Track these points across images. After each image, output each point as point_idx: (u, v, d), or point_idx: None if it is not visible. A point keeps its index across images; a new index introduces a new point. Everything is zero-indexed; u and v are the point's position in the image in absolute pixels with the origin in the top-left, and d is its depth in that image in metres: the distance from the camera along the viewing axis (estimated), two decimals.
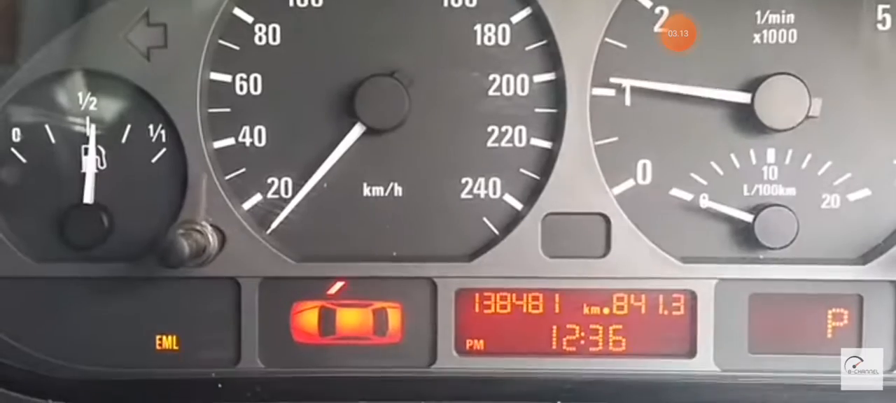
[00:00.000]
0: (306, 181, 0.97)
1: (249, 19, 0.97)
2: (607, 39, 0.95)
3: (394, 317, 0.99)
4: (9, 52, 0.97)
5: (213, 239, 0.95)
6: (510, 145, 0.97)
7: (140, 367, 1.00)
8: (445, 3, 0.96)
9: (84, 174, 0.98)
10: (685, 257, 0.97)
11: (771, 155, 0.96)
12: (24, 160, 0.99)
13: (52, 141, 0.99)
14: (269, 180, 0.99)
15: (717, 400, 0.97)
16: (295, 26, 0.97)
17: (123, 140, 0.98)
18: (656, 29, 0.96)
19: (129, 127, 0.98)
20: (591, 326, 0.98)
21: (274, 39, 0.97)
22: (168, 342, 1.00)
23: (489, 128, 0.97)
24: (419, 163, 0.98)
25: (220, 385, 0.98)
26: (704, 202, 0.97)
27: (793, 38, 0.95)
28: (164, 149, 0.98)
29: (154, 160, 0.98)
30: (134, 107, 0.98)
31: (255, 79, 0.98)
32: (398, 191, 0.98)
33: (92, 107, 0.98)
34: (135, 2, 0.96)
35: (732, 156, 0.96)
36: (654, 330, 0.98)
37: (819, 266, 0.96)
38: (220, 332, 0.99)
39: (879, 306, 0.97)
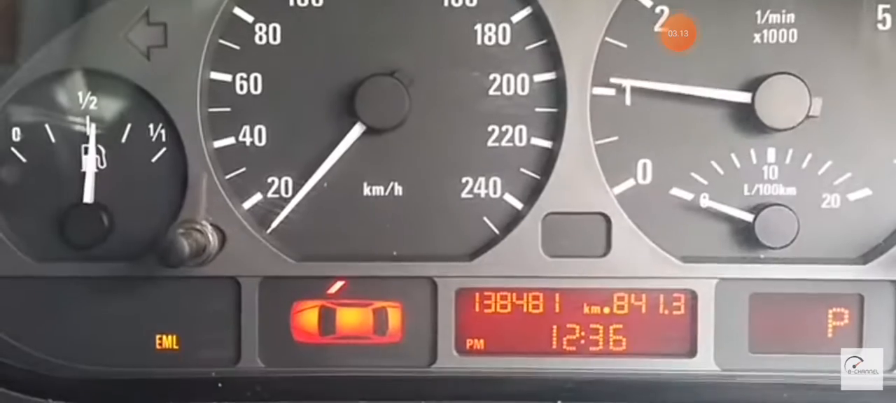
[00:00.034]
0: (306, 180, 0.97)
1: (250, 19, 0.97)
2: (607, 39, 0.95)
3: (394, 317, 0.99)
4: (9, 51, 0.97)
5: (213, 238, 0.95)
6: (510, 145, 0.97)
7: (140, 367, 1.00)
8: (446, 3, 0.96)
9: (84, 173, 0.98)
10: (685, 256, 0.97)
11: (771, 154, 0.96)
12: (24, 159, 0.99)
13: (53, 140, 0.99)
14: (270, 179, 0.99)
15: (718, 400, 0.97)
16: (295, 26, 0.97)
17: (123, 139, 0.98)
18: (657, 28, 0.96)
19: (129, 126, 0.98)
20: (592, 326, 0.98)
21: (274, 39, 0.97)
22: (168, 341, 1.00)
23: (489, 128, 0.97)
24: (419, 162, 0.98)
25: (220, 385, 0.98)
26: (705, 201, 0.97)
27: (793, 37, 0.95)
28: (164, 149, 0.98)
29: (154, 159, 0.98)
30: (134, 107, 0.98)
31: (256, 78, 0.98)
32: (398, 190, 0.98)
33: (92, 107, 0.98)
34: (135, 1, 0.96)
35: (733, 155, 0.96)
36: (654, 329, 0.98)
37: (819, 265, 0.96)
38: (220, 332, 0.99)
39: (880, 306, 0.97)
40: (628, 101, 0.96)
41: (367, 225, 0.98)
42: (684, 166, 0.97)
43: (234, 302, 0.99)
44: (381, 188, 0.98)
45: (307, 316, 1.00)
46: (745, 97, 0.93)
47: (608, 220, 0.96)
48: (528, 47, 0.96)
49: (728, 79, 0.95)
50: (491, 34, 0.96)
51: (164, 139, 0.98)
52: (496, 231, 0.98)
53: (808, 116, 0.92)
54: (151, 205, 0.98)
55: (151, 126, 0.98)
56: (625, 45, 0.96)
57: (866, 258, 0.96)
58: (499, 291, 0.98)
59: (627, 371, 0.98)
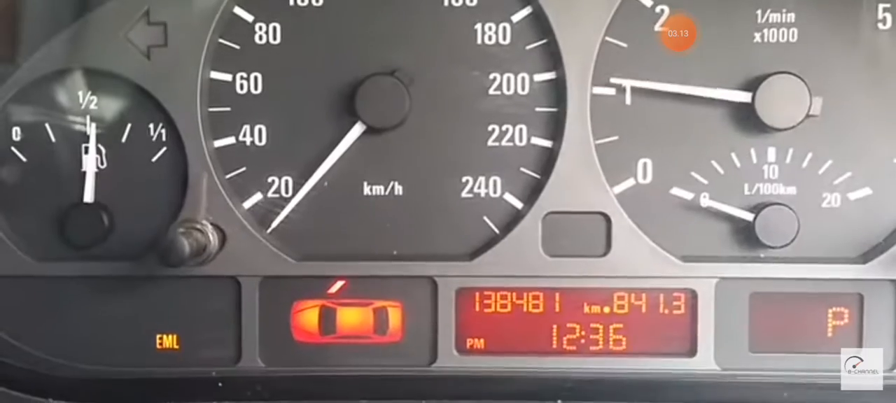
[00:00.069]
0: (307, 180, 0.97)
1: (250, 18, 0.97)
2: (608, 38, 0.95)
3: (394, 316, 0.99)
4: (9, 50, 0.97)
5: (213, 238, 0.95)
6: (511, 144, 0.97)
7: (140, 366, 1.00)
8: (446, 3, 0.96)
9: (84, 173, 0.98)
10: (686, 256, 0.97)
11: (771, 154, 0.96)
12: (24, 159, 0.99)
13: (53, 140, 0.99)
14: (270, 179, 0.99)
15: (718, 399, 0.97)
16: (295, 25, 0.97)
17: (124, 139, 0.98)
18: (657, 28, 0.96)
19: (129, 126, 0.98)
20: (592, 325, 0.98)
21: (274, 38, 0.97)
22: (168, 341, 1.00)
23: (490, 127, 0.97)
24: (419, 161, 0.98)
25: (220, 384, 0.98)
26: (705, 201, 0.97)
27: (793, 36, 0.95)
28: (164, 148, 0.98)
29: (154, 159, 0.98)
30: (134, 106, 0.98)
31: (256, 78, 0.98)
32: (399, 189, 0.98)
33: (92, 106, 0.98)
34: (135, 1, 0.96)
35: (733, 154, 0.96)
36: (654, 328, 0.98)
37: (819, 265, 0.96)
38: (220, 331, 0.99)
39: (880, 305, 0.97)
40: (628, 101, 0.96)
41: (367, 225, 0.98)
42: (684, 165, 0.97)
43: (235, 301, 0.99)
44: (382, 187, 0.98)
45: (307, 316, 1.00)
46: (745, 97, 0.93)
47: (608, 220, 0.96)
48: (528, 47, 0.96)
49: (728, 78, 0.95)
50: (491, 33, 0.96)
51: (164, 138, 0.98)
52: (496, 230, 0.98)
53: (808, 116, 0.92)
54: (152, 205, 0.98)
55: (152, 125, 0.98)
56: (625, 45, 0.96)
57: (866, 257, 0.96)
58: (499, 291, 0.98)
59: (627, 371, 0.98)
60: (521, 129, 0.97)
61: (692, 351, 0.98)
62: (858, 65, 0.95)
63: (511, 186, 0.98)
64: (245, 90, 0.98)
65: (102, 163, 0.98)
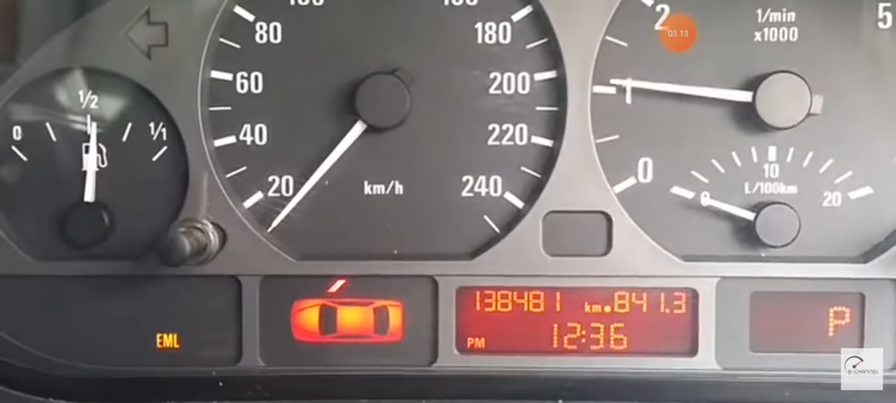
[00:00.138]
0: (307, 179, 0.97)
1: (250, 17, 0.97)
2: (608, 37, 0.95)
3: (395, 316, 0.99)
4: (9, 50, 0.97)
5: (213, 237, 0.95)
6: (511, 143, 0.97)
7: (141, 365, 1.00)
8: (446, 2, 0.96)
9: (85, 172, 0.98)
10: (686, 255, 0.97)
11: (772, 153, 0.96)
12: (24, 158, 0.99)
13: (53, 139, 0.99)
14: (270, 178, 0.99)
15: (719, 399, 0.97)
16: (296, 24, 0.97)
17: (124, 138, 0.99)
18: (657, 27, 0.96)
19: (129, 125, 0.98)
20: (593, 324, 0.98)
21: (275, 37, 0.97)
22: (169, 340, 1.00)
23: (490, 126, 0.97)
24: (420, 161, 0.98)
25: (220, 384, 0.98)
26: (706, 200, 0.97)
27: (794, 35, 0.95)
28: (164, 148, 0.98)
29: (155, 158, 0.98)
30: (135, 106, 0.98)
31: (256, 77, 0.98)
32: (399, 189, 0.98)
33: (93, 106, 0.98)
34: (135, 0, 0.96)
35: (733, 154, 0.96)
36: (655, 328, 0.98)
37: (820, 264, 0.96)
38: (220, 330, 0.99)
39: (881, 304, 0.97)
40: (629, 100, 0.96)
41: (367, 224, 0.98)
42: (685, 165, 0.97)
43: (235, 300, 0.99)
44: (382, 187, 0.98)
45: (308, 315, 1.00)
46: (746, 96, 0.93)
47: (609, 219, 0.96)
48: (528, 46, 0.96)
49: (729, 77, 0.95)
50: (491, 33, 0.96)
51: (164, 138, 0.98)
52: (497, 229, 0.98)
53: (809, 115, 0.92)
54: (152, 204, 0.98)
55: (152, 125, 0.98)
56: (625, 44, 0.96)
57: (867, 256, 0.96)
58: (499, 290, 0.98)
59: (628, 370, 0.98)
60: (521, 128, 0.97)
61: (693, 351, 0.98)
62: (859, 64, 0.95)
63: (512, 185, 0.98)
64: (245, 89, 0.98)
65: (103, 163, 0.98)
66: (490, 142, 0.97)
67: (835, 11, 0.95)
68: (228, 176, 0.98)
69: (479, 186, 0.98)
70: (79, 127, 0.98)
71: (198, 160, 0.97)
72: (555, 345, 0.98)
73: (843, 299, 0.97)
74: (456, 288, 0.98)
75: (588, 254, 0.97)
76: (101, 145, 0.98)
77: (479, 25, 0.96)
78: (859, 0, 0.95)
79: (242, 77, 0.98)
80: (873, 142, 0.95)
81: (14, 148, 0.99)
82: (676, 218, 0.97)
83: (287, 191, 0.98)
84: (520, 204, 0.98)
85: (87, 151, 0.98)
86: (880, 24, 0.95)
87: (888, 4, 0.95)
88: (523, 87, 0.97)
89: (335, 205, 0.98)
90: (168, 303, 0.99)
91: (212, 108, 0.98)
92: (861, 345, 0.97)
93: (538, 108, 0.97)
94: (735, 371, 0.97)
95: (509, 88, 0.97)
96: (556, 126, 0.96)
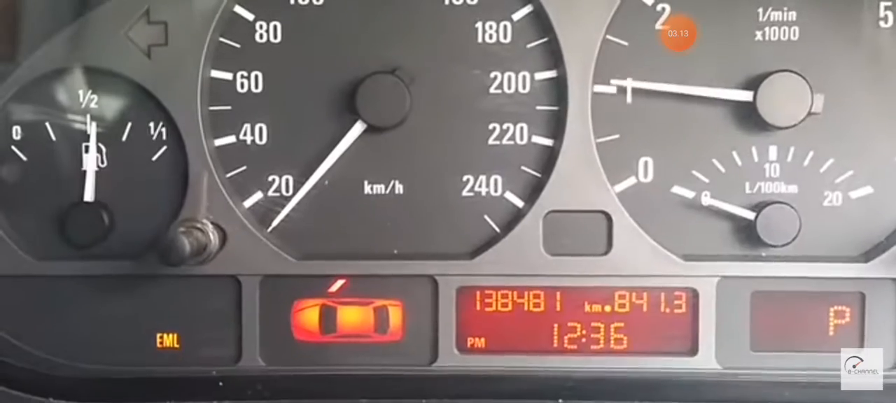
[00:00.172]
0: (307, 179, 0.97)
1: (250, 17, 0.97)
2: (609, 37, 0.95)
3: (395, 315, 0.99)
4: (9, 49, 0.97)
5: (213, 237, 0.95)
6: (511, 143, 0.97)
7: (141, 365, 1.00)
8: (446, 1, 0.96)
9: (85, 172, 0.98)
10: (687, 255, 0.97)
11: (773, 152, 0.96)
12: (24, 158, 0.99)
13: (53, 139, 0.99)
14: (270, 178, 0.98)
15: (719, 398, 0.97)
16: (296, 24, 0.97)
17: (124, 138, 0.98)
18: (657, 26, 0.96)
19: (129, 125, 0.98)
20: (593, 324, 0.98)
21: (275, 37, 0.97)
22: (169, 340, 1.00)
23: (490, 126, 0.97)
24: (420, 160, 0.97)
25: (220, 383, 0.98)
26: (706, 200, 0.96)
27: (795, 35, 0.95)
28: (164, 147, 0.98)
29: (155, 158, 0.98)
30: (134, 105, 0.98)
31: (256, 76, 0.97)
32: (399, 188, 0.98)
33: (92, 105, 0.98)
34: None
35: (734, 153, 0.96)
36: (655, 327, 0.98)
37: (821, 263, 0.96)
38: (220, 330, 0.99)
39: (881, 304, 0.97)
40: (629, 99, 0.96)
41: (367, 224, 0.98)
42: (685, 164, 0.97)
43: (235, 300, 0.99)
44: (382, 186, 0.98)
45: (308, 315, 1.00)
46: (746, 96, 0.93)
47: (609, 218, 0.96)
48: (529, 45, 0.96)
49: (729, 76, 0.95)
50: (492, 32, 0.96)
51: (164, 137, 0.98)
52: (497, 229, 0.98)
53: (809, 114, 0.92)
54: (152, 204, 0.98)
55: (152, 124, 0.98)
56: (626, 43, 0.96)
57: (868, 256, 0.96)
58: (500, 289, 0.98)
59: (629, 370, 0.98)
60: (521, 128, 0.97)
61: (693, 350, 0.97)
62: (860, 63, 0.95)
63: (512, 185, 0.98)
64: (245, 89, 0.98)
65: (103, 162, 0.98)
66: (490, 141, 0.97)
67: (836, 10, 0.95)
68: (228, 175, 0.98)
69: (480, 186, 0.98)
70: (79, 126, 0.98)
71: (198, 160, 0.97)
72: (555, 345, 0.98)
73: (844, 298, 0.97)
74: (456, 288, 0.98)
75: (588, 254, 0.97)
76: (100, 145, 0.98)
77: (479, 25, 0.96)
78: None
79: (242, 76, 0.98)
80: (874, 142, 0.95)
81: (14, 147, 0.99)
82: (677, 218, 0.97)
83: (287, 191, 0.98)
84: (520, 203, 0.97)
85: (86, 151, 0.98)
86: (881, 23, 0.95)
87: (889, 3, 0.95)
88: (524, 87, 0.96)
89: (335, 205, 0.98)
90: (168, 303, 0.99)
91: (212, 108, 0.98)
92: (861, 345, 0.97)
93: (538, 108, 0.97)
94: (735, 371, 0.97)
95: (510, 88, 0.96)
96: (556, 125, 0.96)
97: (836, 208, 0.96)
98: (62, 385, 0.98)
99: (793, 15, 0.95)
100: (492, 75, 0.96)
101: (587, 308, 0.98)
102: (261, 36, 0.97)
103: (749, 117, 0.94)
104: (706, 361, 0.97)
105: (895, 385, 0.95)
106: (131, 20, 0.96)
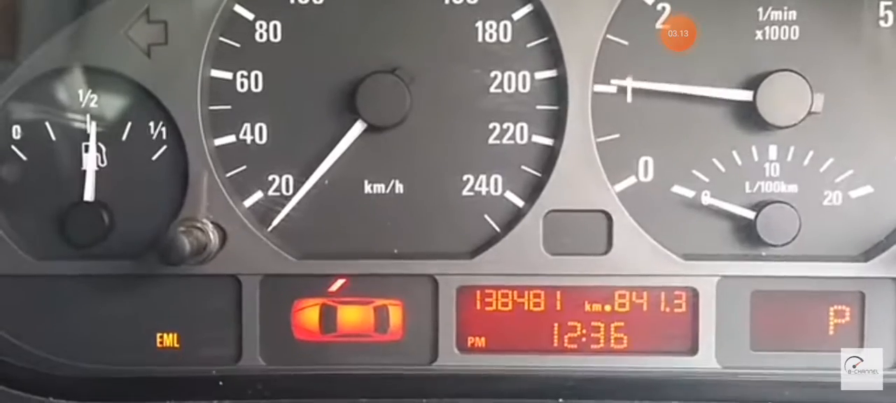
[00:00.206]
0: (307, 178, 0.97)
1: (250, 16, 0.97)
2: (609, 36, 0.95)
3: (395, 315, 0.99)
4: (9, 48, 0.97)
5: (213, 236, 0.95)
6: (512, 142, 0.97)
7: (141, 365, 1.00)
8: (447, 1, 0.96)
9: (84, 171, 0.98)
10: (687, 254, 0.97)
11: (773, 151, 0.96)
12: (24, 157, 0.99)
13: (53, 138, 0.99)
14: (270, 177, 0.98)
15: (719, 397, 0.97)
16: (296, 23, 0.97)
17: (124, 137, 0.98)
18: (658, 26, 0.96)
19: (129, 124, 0.98)
20: (593, 323, 0.98)
21: (275, 36, 0.97)
22: (169, 339, 1.00)
23: (491, 125, 0.97)
24: (420, 160, 0.97)
25: (221, 383, 0.98)
26: (706, 199, 0.96)
27: (795, 34, 0.95)
28: (164, 147, 0.98)
29: (155, 157, 0.98)
30: (134, 105, 0.98)
31: (256, 76, 0.97)
32: (399, 188, 0.98)
33: (92, 105, 0.98)
34: None
35: (734, 152, 0.96)
36: (655, 327, 0.98)
37: (821, 263, 0.96)
38: (221, 330, 0.99)
39: (881, 303, 0.97)
40: (629, 99, 0.96)
41: (368, 223, 0.98)
42: (685, 163, 0.97)
43: (235, 300, 0.99)
44: (382, 186, 0.98)
45: (308, 314, 1.00)
46: (746, 96, 0.93)
47: (609, 218, 0.96)
48: (529, 44, 0.96)
49: (729, 76, 0.95)
50: (492, 31, 0.96)
51: (164, 137, 0.98)
52: (497, 228, 0.98)
53: (809, 113, 0.92)
54: (152, 204, 0.98)
55: (152, 124, 0.98)
56: (626, 43, 0.95)
57: (868, 255, 0.96)
58: (500, 289, 0.98)
59: (629, 369, 0.98)
60: (522, 127, 0.97)
61: (693, 350, 0.98)
62: (860, 62, 0.95)
63: (512, 184, 0.98)
64: (245, 88, 0.97)
65: (103, 162, 0.98)
66: (490, 140, 0.97)
67: (836, 10, 0.95)
68: (228, 175, 0.98)
69: (480, 185, 0.98)
70: (78, 126, 0.98)
71: (198, 159, 0.96)
72: (555, 344, 0.98)
73: (844, 298, 0.97)
74: (456, 287, 0.98)
75: (588, 253, 0.97)
76: (100, 144, 0.98)
77: (479, 24, 0.96)
78: None
79: (242, 76, 0.98)
80: (874, 141, 0.95)
81: (14, 147, 0.99)
82: (677, 217, 0.97)
83: (287, 190, 0.98)
84: (520, 203, 0.97)
85: (86, 150, 0.98)
86: (881, 23, 0.95)
87: (889, 3, 0.95)
88: (524, 86, 0.96)
89: (335, 205, 0.98)
90: (168, 303, 0.99)
91: (212, 107, 0.97)
92: (861, 344, 0.97)
93: (539, 107, 0.97)
94: (735, 370, 0.97)
95: (510, 87, 0.96)
96: (556, 125, 0.96)
97: (836, 207, 0.96)
98: (62, 384, 0.98)
99: (793, 14, 0.95)
100: (492, 74, 0.96)
101: (587, 307, 0.98)
102: (261, 35, 0.97)
103: (749, 117, 0.94)
104: (706, 360, 0.97)
105: (895, 385, 0.95)
106: (131, 19, 0.96)
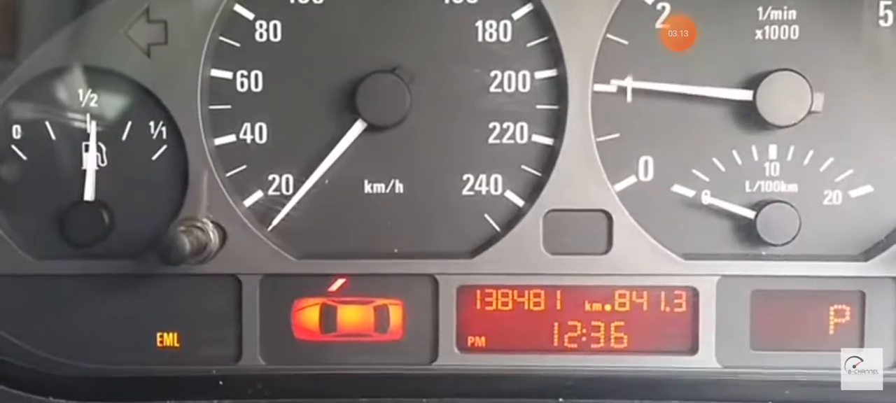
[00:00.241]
0: (307, 178, 0.97)
1: (250, 16, 0.97)
2: (609, 36, 0.95)
3: (395, 314, 0.99)
4: (9, 48, 0.97)
5: (213, 236, 0.95)
6: (512, 142, 0.97)
7: (141, 364, 1.00)
8: (447, 0, 0.96)
9: (85, 171, 0.98)
10: (687, 254, 0.97)
11: (773, 151, 0.96)
12: (24, 157, 0.99)
13: (53, 138, 0.99)
14: (270, 177, 0.98)
15: (719, 397, 0.97)
16: (296, 23, 0.97)
17: (124, 137, 0.98)
18: (658, 25, 0.96)
19: (129, 124, 0.98)
20: (593, 323, 0.98)
21: (275, 36, 0.97)
22: (169, 339, 1.00)
23: (491, 125, 0.97)
24: (420, 159, 0.97)
25: (221, 383, 0.98)
26: (706, 198, 0.96)
27: (795, 33, 0.95)
28: (164, 146, 0.98)
29: (155, 157, 0.98)
30: (134, 104, 0.98)
31: (256, 75, 0.97)
32: (399, 187, 0.98)
33: (92, 104, 0.98)
34: None
35: (734, 152, 0.96)
36: (655, 326, 0.98)
37: (821, 262, 0.96)
38: (221, 329, 0.99)
39: (881, 302, 0.97)
40: (629, 98, 0.96)
41: (368, 223, 0.98)
42: (686, 163, 0.97)
43: (235, 299, 0.99)
44: (382, 185, 0.98)
45: (308, 314, 1.00)
46: (746, 95, 0.93)
47: (609, 217, 0.96)
48: (529, 44, 0.96)
49: (729, 75, 0.95)
50: (492, 31, 0.96)
51: (164, 136, 0.98)
52: (497, 228, 0.98)
53: (809, 113, 0.92)
54: (152, 203, 0.98)
55: (152, 123, 0.98)
56: (626, 42, 0.96)
57: (868, 255, 0.96)
58: (500, 288, 0.98)
59: (629, 369, 0.98)
60: (522, 127, 0.97)
61: (693, 349, 0.97)
62: (860, 62, 0.95)
63: (512, 184, 0.98)
64: (245, 88, 0.97)
65: (103, 161, 0.98)
66: (490, 140, 0.97)
67: (836, 9, 0.95)
68: (228, 174, 0.98)
69: (480, 185, 0.98)
70: (78, 125, 0.98)
71: (198, 159, 0.96)
72: (555, 344, 0.98)
73: (844, 297, 0.97)
74: (456, 287, 0.98)
75: (588, 253, 0.97)
76: (100, 144, 0.98)
77: (479, 23, 0.96)
78: None
79: (242, 75, 0.98)
80: (874, 140, 0.95)
81: (14, 146, 0.99)
82: (677, 217, 0.97)
83: (287, 190, 0.98)
84: (520, 202, 0.97)
85: (86, 150, 0.98)
86: (881, 22, 0.95)
87: (889, 2, 0.95)
88: (524, 86, 0.96)
89: (335, 204, 0.98)
90: (168, 302, 0.99)
91: (212, 107, 0.97)
92: (861, 343, 0.97)
93: (539, 107, 0.97)
94: (735, 370, 0.97)
95: (510, 87, 0.96)
96: (556, 124, 0.96)
97: (836, 207, 0.96)
98: (62, 384, 0.98)
99: (793, 14, 0.95)
100: (492, 74, 0.96)
101: (587, 307, 0.98)
102: (261, 35, 0.97)
103: (749, 116, 0.94)
104: (706, 360, 0.97)
105: (895, 384, 0.95)
106: (131, 19, 0.96)
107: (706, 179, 0.96)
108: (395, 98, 0.94)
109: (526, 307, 0.98)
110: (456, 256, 0.98)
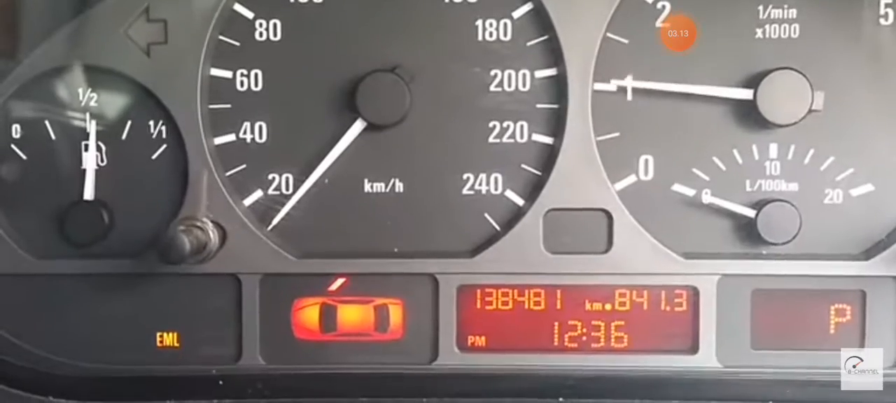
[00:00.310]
0: (307, 177, 0.97)
1: (250, 15, 0.97)
2: (609, 35, 0.95)
3: (395, 314, 0.99)
4: (9, 47, 0.97)
5: (213, 235, 0.95)
6: (512, 141, 0.97)
7: (141, 364, 1.00)
8: None
9: (84, 170, 0.98)
10: (687, 253, 0.97)
11: (773, 150, 0.96)
12: (24, 156, 0.99)
13: (53, 137, 0.99)
14: (270, 176, 0.98)
15: (720, 396, 0.97)
16: (296, 22, 0.97)
17: (124, 136, 0.98)
18: (658, 24, 0.96)
19: (129, 123, 0.98)
20: (593, 322, 0.98)
21: (274, 35, 0.97)
22: (169, 338, 1.00)
23: (491, 124, 0.97)
24: (420, 158, 0.97)
25: (221, 382, 0.98)
26: (707, 197, 0.96)
27: (795, 32, 0.95)
28: (164, 146, 0.98)
29: (154, 156, 0.98)
30: (134, 104, 0.98)
31: (256, 75, 0.97)
32: (399, 186, 0.98)
33: (92, 104, 0.98)
34: None
35: (735, 151, 0.96)
36: (656, 326, 0.98)
37: (822, 261, 0.96)
38: (220, 329, 0.99)
39: (882, 301, 0.97)
40: (629, 97, 0.96)
41: (368, 222, 0.98)
42: (686, 162, 0.96)
43: (235, 299, 0.99)
44: (382, 184, 0.98)
45: (308, 313, 1.00)
46: (747, 94, 0.93)
47: (610, 217, 0.96)
48: (529, 43, 0.96)
49: (730, 74, 0.95)
50: (492, 30, 0.96)
51: (164, 136, 0.98)
52: (497, 227, 0.98)
53: (810, 111, 0.92)
54: (152, 202, 0.98)
55: (152, 123, 0.98)
56: (626, 41, 0.95)
57: (868, 254, 0.96)
58: (500, 288, 0.98)
59: (629, 368, 0.98)
60: (522, 126, 0.97)
61: (694, 348, 0.97)
62: (860, 61, 0.95)
63: (512, 183, 0.97)
64: (245, 87, 0.97)
65: (102, 161, 0.98)
66: (490, 139, 0.97)
67: (836, 8, 0.95)
68: (228, 174, 0.98)
69: (480, 184, 0.98)
70: (78, 124, 0.98)
71: (197, 158, 0.96)
72: (555, 343, 0.98)
73: (845, 296, 0.97)
74: (456, 286, 0.98)
75: (589, 252, 0.97)
76: (100, 143, 0.98)
77: (479, 22, 0.96)
78: None
79: (242, 75, 0.98)
80: (875, 139, 0.95)
81: (13, 146, 0.99)
82: (677, 216, 0.97)
83: (287, 189, 0.98)
84: (520, 201, 0.97)
85: (86, 149, 0.98)
86: (881, 21, 0.95)
87: (889, 1, 0.94)
88: (524, 85, 0.96)
89: (335, 203, 0.98)
90: (168, 302, 0.99)
91: (211, 106, 0.97)
92: (862, 343, 0.97)
93: (539, 106, 0.96)
94: (736, 369, 0.97)
95: (510, 86, 0.96)
96: (556, 123, 0.96)
97: (837, 206, 0.96)
98: (62, 383, 0.98)
99: (793, 12, 0.95)
100: (492, 73, 0.96)
101: (588, 306, 0.98)
102: (260, 34, 0.97)
103: (749, 115, 0.94)
104: (707, 359, 0.97)
105: (895, 384, 0.95)
106: (131, 18, 0.96)
107: (706, 178, 0.96)
108: (394, 97, 0.94)
109: (526, 306, 0.98)
110: (456, 255, 0.98)
